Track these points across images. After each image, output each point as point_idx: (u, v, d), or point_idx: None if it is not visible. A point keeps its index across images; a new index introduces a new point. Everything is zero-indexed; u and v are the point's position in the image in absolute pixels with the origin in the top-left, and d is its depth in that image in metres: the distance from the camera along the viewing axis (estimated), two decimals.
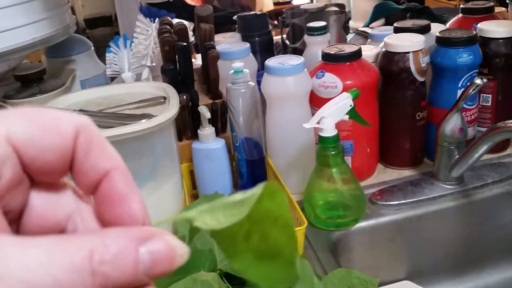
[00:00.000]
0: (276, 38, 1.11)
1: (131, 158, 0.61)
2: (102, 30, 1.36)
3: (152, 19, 0.75)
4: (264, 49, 1.01)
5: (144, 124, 0.57)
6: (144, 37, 0.76)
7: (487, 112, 0.84)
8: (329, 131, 0.65)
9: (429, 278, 0.77)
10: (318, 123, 0.65)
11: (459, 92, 0.78)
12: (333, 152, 0.66)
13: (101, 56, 0.92)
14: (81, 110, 0.62)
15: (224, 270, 0.46)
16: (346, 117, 0.66)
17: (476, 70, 0.78)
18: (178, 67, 0.73)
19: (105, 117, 0.60)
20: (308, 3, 1.36)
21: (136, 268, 0.17)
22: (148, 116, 0.60)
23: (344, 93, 0.66)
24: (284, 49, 1.07)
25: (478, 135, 0.82)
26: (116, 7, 1.04)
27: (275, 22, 1.01)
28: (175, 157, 0.67)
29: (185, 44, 0.69)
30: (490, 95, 0.83)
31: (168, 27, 0.70)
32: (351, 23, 1.34)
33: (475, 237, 0.77)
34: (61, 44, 0.83)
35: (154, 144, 0.61)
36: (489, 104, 0.84)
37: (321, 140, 0.66)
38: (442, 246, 0.77)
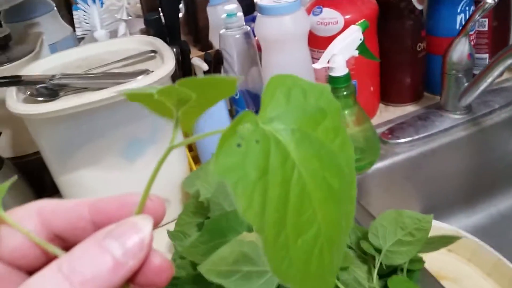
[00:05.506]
0: None
1: (131, 121, 0.54)
2: None
3: None
4: None
5: (145, 80, 0.50)
6: None
7: (484, 38, 0.81)
8: (341, 70, 0.60)
9: (443, 212, 0.76)
10: (327, 62, 0.60)
11: (459, 18, 0.75)
12: (345, 93, 0.61)
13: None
14: (64, 74, 0.54)
15: None
16: (356, 53, 0.62)
17: None
18: (162, 17, 0.65)
19: (96, 78, 0.53)
20: None
21: (107, 257, 0.19)
22: (145, 72, 0.53)
23: (353, 26, 0.61)
24: None
25: (477, 62, 0.79)
26: None
27: None
28: None
29: None
30: (486, 19, 0.80)
31: None
32: None
33: (485, 165, 0.76)
34: (20, 6, 0.73)
35: None
36: (486, 29, 0.81)
37: (332, 81, 0.61)
38: (455, 178, 0.75)
